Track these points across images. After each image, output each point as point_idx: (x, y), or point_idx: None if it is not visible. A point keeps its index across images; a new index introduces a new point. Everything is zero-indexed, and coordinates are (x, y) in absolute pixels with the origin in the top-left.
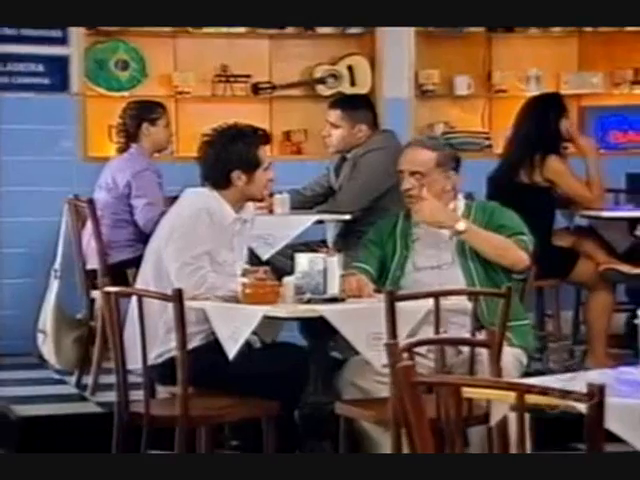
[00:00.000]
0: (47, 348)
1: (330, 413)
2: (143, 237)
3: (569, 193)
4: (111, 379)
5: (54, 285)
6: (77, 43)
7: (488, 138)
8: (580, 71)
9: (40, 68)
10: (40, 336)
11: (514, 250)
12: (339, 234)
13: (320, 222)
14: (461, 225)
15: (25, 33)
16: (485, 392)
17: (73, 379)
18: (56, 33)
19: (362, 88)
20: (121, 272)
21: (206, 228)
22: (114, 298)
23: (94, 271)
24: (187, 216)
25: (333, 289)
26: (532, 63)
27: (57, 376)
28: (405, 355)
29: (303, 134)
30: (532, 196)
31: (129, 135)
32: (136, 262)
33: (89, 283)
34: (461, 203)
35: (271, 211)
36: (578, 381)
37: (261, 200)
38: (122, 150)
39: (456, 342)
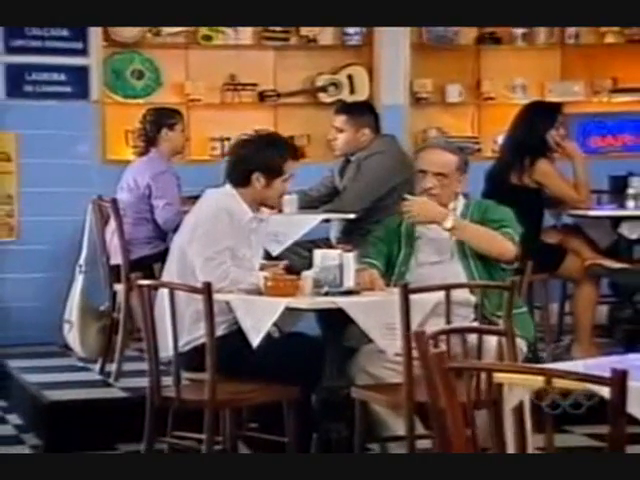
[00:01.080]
0: (72, 337)
1: (344, 397)
2: (162, 234)
3: (557, 194)
4: (133, 366)
5: (79, 279)
6: (96, 54)
7: (477, 142)
8: (562, 80)
9: (62, 77)
10: (66, 326)
11: (500, 241)
12: (342, 232)
13: (326, 221)
14: (448, 223)
15: (48, 45)
16: (512, 377)
17: (97, 366)
18: (77, 45)
19: (361, 96)
20: (142, 267)
21: (226, 226)
22: (147, 291)
23: (117, 266)
24: (209, 215)
25: (349, 282)
26: (518, 73)
27: (80, 364)
28: (431, 343)
29: (306, 139)
30: (522, 196)
31: (149, 139)
32: (155, 258)
33: (112, 277)
34: (461, 203)
35: (280, 210)
36: (597, 368)
37: (273, 208)
38: (142, 154)
39: (477, 331)
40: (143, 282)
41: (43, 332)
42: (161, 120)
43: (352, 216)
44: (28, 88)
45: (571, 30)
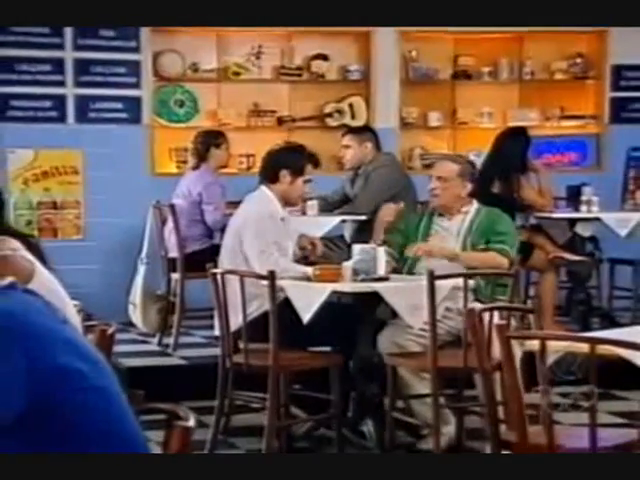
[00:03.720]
0: (136, 316)
1: (376, 363)
2: (210, 233)
3: (529, 201)
4: (184, 340)
5: (141, 269)
6: (147, 87)
7: None
8: (520, 109)
9: (119, 106)
10: (131, 307)
11: (492, 260)
12: (355, 230)
13: (342, 221)
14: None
15: (109, 80)
16: (563, 344)
17: (154, 340)
18: (132, 80)
19: (360, 121)
20: (194, 259)
21: (270, 226)
22: (220, 277)
23: (173, 259)
24: (256, 218)
25: (381, 271)
26: (485, 103)
27: (140, 337)
28: (477, 318)
29: None
30: (501, 203)
31: (200, 156)
32: (204, 252)
33: (169, 268)
34: (473, 207)
35: (304, 213)
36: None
37: (295, 205)
38: (194, 168)
39: (512, 309)
40: (216, 270)
41: (105, 312)
42: (209, 140)
43: (364, 217)
44: (92, 115)
45: (527, 69)
